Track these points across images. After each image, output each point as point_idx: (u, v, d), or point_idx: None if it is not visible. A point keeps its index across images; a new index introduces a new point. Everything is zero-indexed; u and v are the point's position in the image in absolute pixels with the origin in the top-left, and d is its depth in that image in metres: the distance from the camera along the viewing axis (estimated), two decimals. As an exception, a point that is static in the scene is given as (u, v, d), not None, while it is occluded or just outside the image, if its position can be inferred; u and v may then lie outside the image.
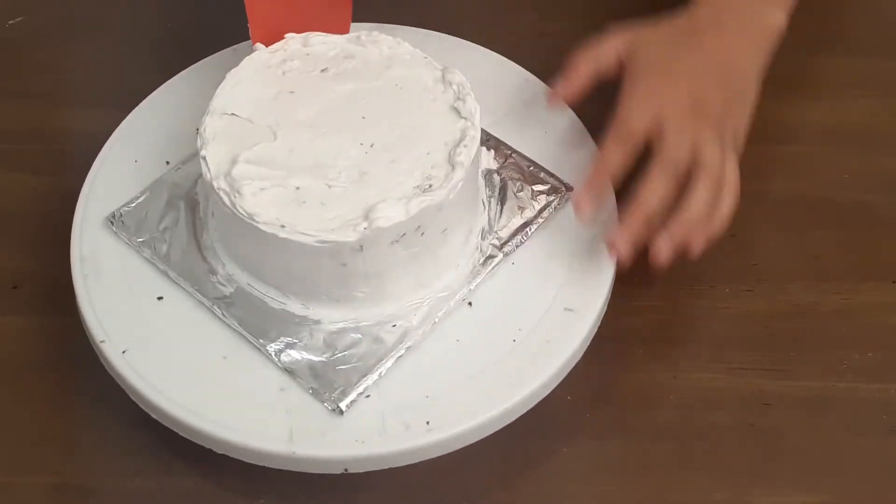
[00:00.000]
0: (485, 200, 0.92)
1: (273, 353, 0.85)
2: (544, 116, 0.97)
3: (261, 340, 0.86)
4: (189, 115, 0.95)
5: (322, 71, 0.91)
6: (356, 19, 0.97)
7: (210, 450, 0.84)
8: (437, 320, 0.87)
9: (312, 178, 0.85)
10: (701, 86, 0.92)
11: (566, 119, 0.96)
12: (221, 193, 0.85)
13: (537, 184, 0.93)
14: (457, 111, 0.88)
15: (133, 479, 0.88)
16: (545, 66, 0.99)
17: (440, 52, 0.95)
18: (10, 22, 1.13)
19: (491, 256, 0.90)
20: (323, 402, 0.83)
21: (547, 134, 0.96)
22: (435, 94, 0.90)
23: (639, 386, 0.91)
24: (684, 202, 0.88)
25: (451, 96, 0.89)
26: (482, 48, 1.01)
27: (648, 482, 0.88)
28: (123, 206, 0.92)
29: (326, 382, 0.84)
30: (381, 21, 0.99)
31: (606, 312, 0.89)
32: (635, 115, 0.90)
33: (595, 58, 0.94)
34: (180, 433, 0.85)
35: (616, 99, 0.92)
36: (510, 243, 0.90)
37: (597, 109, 0.98)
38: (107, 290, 0.89)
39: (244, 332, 0.86)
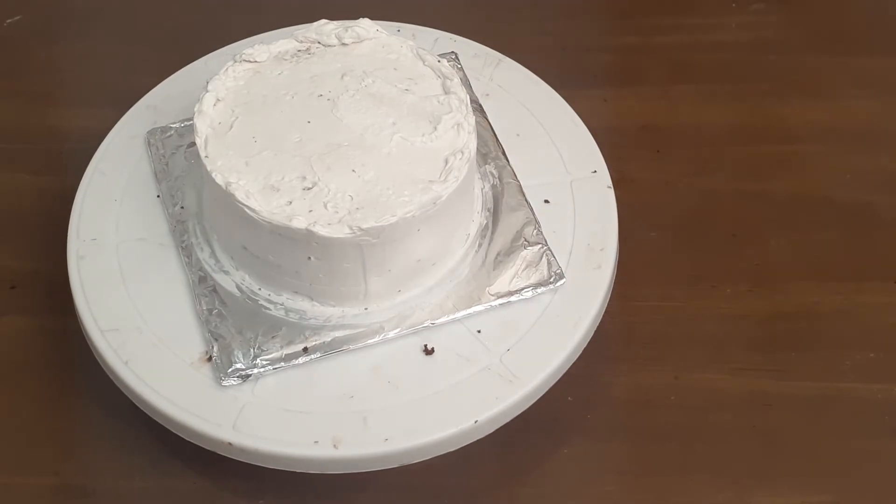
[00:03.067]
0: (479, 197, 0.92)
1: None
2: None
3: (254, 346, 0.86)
4: (187, 114, 0.95)
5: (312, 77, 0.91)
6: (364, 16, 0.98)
7: (210, 450, 0.84)
8: (434, 319, 0.87)
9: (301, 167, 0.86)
10: None
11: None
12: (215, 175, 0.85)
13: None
14: (458, 127, 0.88)
15: (133, 480, 0.88)
16: (546, 65, 1.00)
17: (439, 51, 0.95)
18: (8, 21, 1.13)
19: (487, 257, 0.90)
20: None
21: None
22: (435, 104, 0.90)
23: (639, 386, 0.91)
24: None
25: (451, 115, 0.89)
26: (482, 46, 1.01)
27: (649, 483, 0.88)
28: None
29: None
30: (380, 19, 0.99)
31: (606, 312, 0.89)
32: None
33: None
34: (179, 434, 0.84)
35: None
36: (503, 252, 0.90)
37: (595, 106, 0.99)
38: (104, 290, 0.88)
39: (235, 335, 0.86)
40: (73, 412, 0.91)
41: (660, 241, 0.98)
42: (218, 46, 1.01)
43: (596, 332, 0.88)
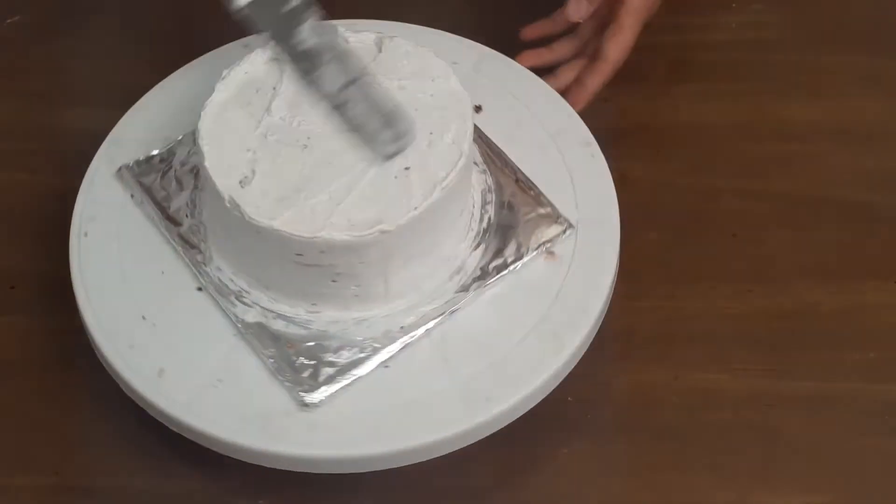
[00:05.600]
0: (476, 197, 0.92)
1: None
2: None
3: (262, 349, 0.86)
4: (187, 113, 0.95)
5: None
6: (359, 16, 0.97)
7: (210, 450, 0.84)
8: (434, 320, 0.87)
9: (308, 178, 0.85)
10: None
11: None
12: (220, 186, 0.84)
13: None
14: (455, 128, 0.88)
15: (133, 479, 0.88)
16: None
17: (438, 50, 0.95)
18: (8, 20, 1.13)
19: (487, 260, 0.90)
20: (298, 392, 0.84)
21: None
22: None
23: (639, 386, 0.91)
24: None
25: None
26: (480, 45, 1.01)
27: (649, 483, 0.88)
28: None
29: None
30: (378, 18, 0.99)
31: (607, 312, 0.89)
32: None
33: None
34: (180, 433, 0.84)
35: None
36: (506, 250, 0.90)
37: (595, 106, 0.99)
38: (105, 290, 0.88)
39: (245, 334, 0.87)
40: (74, 412, 0.91)
41: (660, 241, 0.98)
42: (218, 45, 1.01)
43: (596, 332, 0.88)
